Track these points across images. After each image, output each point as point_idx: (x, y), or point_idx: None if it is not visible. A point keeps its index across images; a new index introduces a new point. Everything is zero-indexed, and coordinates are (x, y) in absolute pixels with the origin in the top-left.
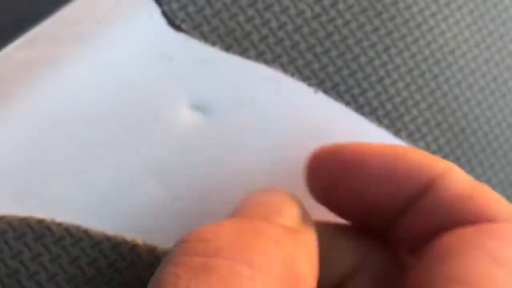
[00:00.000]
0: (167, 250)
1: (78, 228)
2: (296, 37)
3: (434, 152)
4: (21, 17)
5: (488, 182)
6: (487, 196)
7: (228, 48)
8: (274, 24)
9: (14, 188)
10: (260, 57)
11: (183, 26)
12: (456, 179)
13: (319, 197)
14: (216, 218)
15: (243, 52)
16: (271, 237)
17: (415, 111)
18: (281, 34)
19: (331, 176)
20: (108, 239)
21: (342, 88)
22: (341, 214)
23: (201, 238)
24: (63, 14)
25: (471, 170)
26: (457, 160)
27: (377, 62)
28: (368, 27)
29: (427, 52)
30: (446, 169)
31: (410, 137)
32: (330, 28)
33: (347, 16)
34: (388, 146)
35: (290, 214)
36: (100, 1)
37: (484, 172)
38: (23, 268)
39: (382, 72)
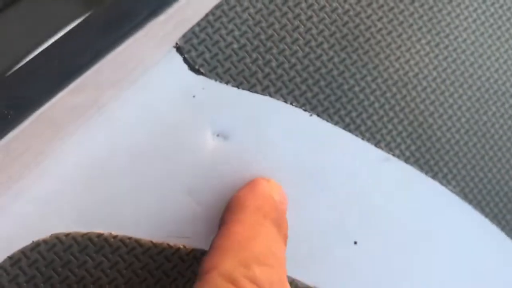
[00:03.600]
0: (204, 251)
1: (130, 239)
2: (292, 73)
3: (408, 157)
4: (68, 68)
5: (453, 178)
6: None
7: (239, 85)
8: (274, 63)
9: (75, 210)
10: (265, 90)
11: (202, 69)
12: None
13: None
14: None
15: (251, 88)
16: None
17: (390, 126)
18: (280, 71)
19: None
20: (155, 246)
21: (331, 111)
22: None
23: None
24: (104, 63)
25: (439, 170)
26: (427, 162)
27: (357, 88)
28: (348, 61)
29: (396, 77)
30: (229, 221)
31: (388, 146)
32: (318, 63)
33: (331, 53)
34: None
35: None
36: (134, 52)
37: (449, 171)
38: (88, 275)
39: (361, 96)
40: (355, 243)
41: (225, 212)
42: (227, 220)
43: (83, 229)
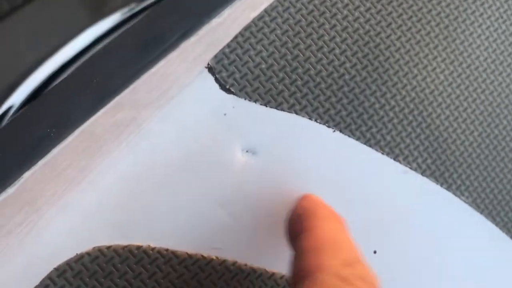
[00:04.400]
0: (235, 261)
1: (167, 250)
2: (316, 91)
3: (424, 170)
4: (105, 88)
5: (466, 189)
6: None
7: (267, 103)
8: (299, 82)
9: (116, 224)
10: (291, 108)
11: (232, 89)
12: (312, 236)
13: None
14: (267, 235)
15: (278, 106)
16: None
17: (408, 140)
18: (305, 90)
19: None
20: (190, 257)
21: (353, 127)
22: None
23: None
24: (140, 83)
25: (453, 182)
26: (442, 175)
27: (377, 105)
28: (369, 79)
29: (413, 94)
30: (312, 227)
31: (406, 160)
32: (341, 82)
33: (353, 72)
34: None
35: None
36: (168, 73)
37: (463, 182)
38: (128, 286)
39: (381, 113)
40: (375, 252)
41: (294, 223)
42: (306, 228)
43: (123, 242)
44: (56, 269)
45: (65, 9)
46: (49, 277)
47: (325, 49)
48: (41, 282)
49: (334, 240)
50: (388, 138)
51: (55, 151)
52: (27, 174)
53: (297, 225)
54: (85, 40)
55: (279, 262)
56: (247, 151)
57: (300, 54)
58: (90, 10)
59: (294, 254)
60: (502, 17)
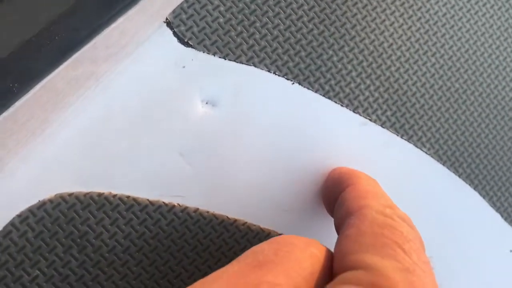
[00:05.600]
0: (196, 208)
1: (128, 197)
2: (275, 44)
3: (384, 122)
4: (66, 44)
5: (428, 141)
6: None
7: (225, 56)
8: (257, 36)
9: (77, 172)
10: (249, 61)
11: (191, 42)
12: (355, 188)
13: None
14: (228, 181)
15: (237, 58)
16: None
17: (367, 92)
18: (263, 43)
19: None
20: (151, 203)
21: (312, 79)
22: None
23: None
24: (99, 39)
25: (414, 134)
26: (402, 126)
27: (335, 58)
28: (327, 33)
29: (371, 47)
30: (354, 183)
31: (365, 112)
32: (299, 35)
33: (310, 25)
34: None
35: None
36: (127, 28)
37: (424, 134)
38: (90, 231)
39: (340, 65)
40: None
41: (332, 188)
42: (348, 184)
43: (85, 189)
44: (18, 215)
45: None
46: (11, 223)
47: (283, 4)
48: (4, 229)
49: (374, 191)
50: (347, 90)
51: (17, 104)
52: None
53: (336, 188)
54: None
55: (241, 210)
56: (206, 103)
57: (258, 9)
58: None
59: (336, 206)
60: None
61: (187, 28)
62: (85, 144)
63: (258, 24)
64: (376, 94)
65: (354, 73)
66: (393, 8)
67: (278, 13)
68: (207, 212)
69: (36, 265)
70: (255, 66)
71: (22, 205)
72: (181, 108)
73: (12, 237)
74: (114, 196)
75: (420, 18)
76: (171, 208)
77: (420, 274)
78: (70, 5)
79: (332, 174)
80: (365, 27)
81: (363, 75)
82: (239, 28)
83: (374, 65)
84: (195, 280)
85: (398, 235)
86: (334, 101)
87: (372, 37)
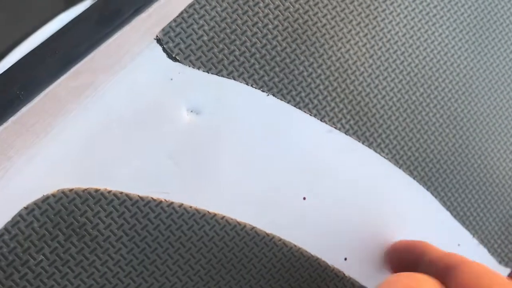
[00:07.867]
0: (181, 203)
1: (122, 193)
2: (252, 60)
3: (348, 130)
4: (68, 56)
5: (386, 147)
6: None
7: (208, 70)
8: (237, 53)
9: (77, 170)
10: (230, 74)
11: (178, 57)
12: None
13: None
14: (210, 180)
15: (218, 72)
16: None
17: (333, 104)
18: (242, 59)
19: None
20: (141, 198)
21: (284, 91)
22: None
23: None
24: (98, 52)
25: (373, 140)
26: (363, 134)
27: (305, 73)
28: (298, 51)
29: (338, 64)
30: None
31: (331, 121)
32: (273, 53)
33: (284, 44)
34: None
35: None
36: (123, 43)
37: (383, 141)
38: (88, 222)
39: (309, 80)
40: (304, 198)
41: (404, 255)
42: (453, 263)
43: (84, 185)
44: (25, 207)
45: None
46: (19, 214)
47: (260, 24)
48: (13, 219)
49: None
50: (315, 101)
51: (24, 110)
52: (0, 129)
53: (410, 256)
54: (58, 25)
55: (220, 205)
56: (191, 111)
57: (238, 28)
58: None
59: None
60: None
61: (175, 45)
62: (84, 146)
63: (238, 42)
64: (341, 105)
65: (321, 87)
66: (358, 29)
67: (256, 33)
68: (191, 207)
69: (41, 251)
70: (234, 79)
71: (28, 199)
72: (169, 115)
73: (19, 226)
74: (109, 192)
75: (382, 38)
76: (158, 203)
77: None
78: (72, 22)
79: (403, 244)
80: (332, 46)
81: (330, 88)
82: (221, 46)
83: (339, 80)
84: (179, 267)
85: None
86: (303, 111)
87: (339, 54)
